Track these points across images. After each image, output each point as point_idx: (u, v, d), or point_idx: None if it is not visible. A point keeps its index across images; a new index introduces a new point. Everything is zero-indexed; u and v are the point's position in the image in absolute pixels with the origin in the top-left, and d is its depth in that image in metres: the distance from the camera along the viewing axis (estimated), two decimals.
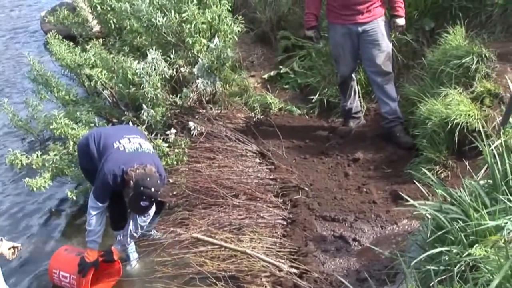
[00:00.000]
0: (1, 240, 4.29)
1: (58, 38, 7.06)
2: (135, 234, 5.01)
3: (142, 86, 6.27)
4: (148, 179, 4.59)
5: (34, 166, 5.93)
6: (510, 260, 2.62)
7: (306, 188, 5.53)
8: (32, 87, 7.26)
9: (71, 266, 4.90)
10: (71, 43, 7.19)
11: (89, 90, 7.29)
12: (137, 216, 4.91)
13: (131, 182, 4.62)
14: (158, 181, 4.67)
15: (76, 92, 7.04)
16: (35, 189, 5.75)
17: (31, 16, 13.43)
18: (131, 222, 4.97)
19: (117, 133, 5.07)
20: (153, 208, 4.93)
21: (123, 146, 4.88)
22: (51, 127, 5.96)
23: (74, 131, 5.90)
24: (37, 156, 5.94)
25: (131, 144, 4.93)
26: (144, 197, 4.57)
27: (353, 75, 6.45)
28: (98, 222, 4.85)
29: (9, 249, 4.26)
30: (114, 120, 6.78)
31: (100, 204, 4.83)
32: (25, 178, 5.83)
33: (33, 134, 7.39)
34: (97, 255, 4.90)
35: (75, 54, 6.84)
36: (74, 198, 5.99)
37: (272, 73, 7.77)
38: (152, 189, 4.58)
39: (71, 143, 5.95)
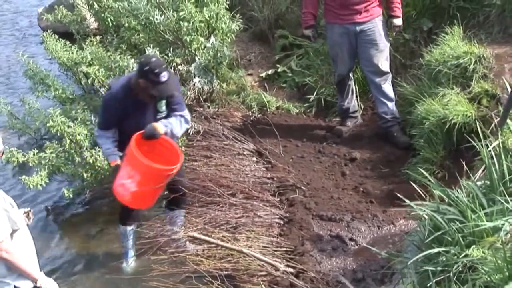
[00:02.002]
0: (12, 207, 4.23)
1: (54, 36, 7.03)
2: (183, 123, 4.83)
3: None
4: (145, 56, 4.52)
5: (30, 164, 5.91)
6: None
7: (303, 187, 5.52)
8: (28, 85, 7.22)
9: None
10: (67, 42, 7.16)
11: (85, 88, 7.26)
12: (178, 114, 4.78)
13: (137, 77, 4.51)
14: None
15: (72, 90, 7.01)
16: (31, 186, 5.73)
17: (29, 11, 13.35)
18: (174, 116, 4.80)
19: None
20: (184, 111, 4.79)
21: None
22: (47, 124, 5.94)
23: (71, 129, 5.88)
24: (34, 154, 5.92)
25: None
26: (155, 69, 4.38)
27: (351, 75, 6.45)
28: (106, 143, 4.78)
29: (23, 214, 4.21)
30: None
31: (101, 131, 4.77)
32: (22, 176, 5.81)
33: (30, 132, 7.36)
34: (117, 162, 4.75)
35: (72, 53, 6.82)
36: (71, 196, 5.99)
37: (269, 72, 7.76)
38: (154, 58, 4.49)
39: (68, 141, 5.93)
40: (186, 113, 4.87)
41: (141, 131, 4.62)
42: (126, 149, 4.61)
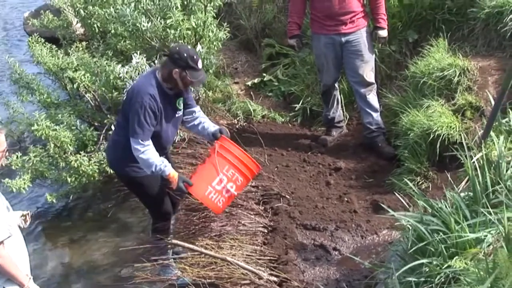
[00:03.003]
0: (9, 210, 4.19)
1: (40, 41, 7.00)
2: None
3: (125, 90, 6.23)
4: (177, 45, 4.48)
5: (13, 167, 5.86)
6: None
7: (288, 196, 5.53)
8: (13, 89, 7.18)
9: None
10: (54, 46, 7.13)
11: (71, 93, 7.23)
12: None
13: (171, 67, 4.28)
14: None
15: (58, 95, 6.97)
16: (14, 190, 5.68)
17: (14, 16, 13.28)
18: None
19: None
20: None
21: None
22: (32, 128, 5.89)
23: (55, 133, 5.85)
24: (17, 157, 5.89)
25: None
26: (193, 55, 4.25)
27: (336, 85, 6.47)
28: (155, 156, 4.35)
29: (20, 217, 4.18)
30: (96, 124, 6.73)
31: (145, 142, 4.30)
32: (5, 179, 5.77)
33: (13, 136, 7.30)
34: (176, 174, 4.43)
35: (58, 58, 6.78)
36: (54, 201, 5.96)
37: (255, 80, 7.77)
38: (188, 46, 4.48)
39: (52, 145, 5.90)
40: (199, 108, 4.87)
41: (219, 137, 4.57)
42: (216, 155, 4.46)
